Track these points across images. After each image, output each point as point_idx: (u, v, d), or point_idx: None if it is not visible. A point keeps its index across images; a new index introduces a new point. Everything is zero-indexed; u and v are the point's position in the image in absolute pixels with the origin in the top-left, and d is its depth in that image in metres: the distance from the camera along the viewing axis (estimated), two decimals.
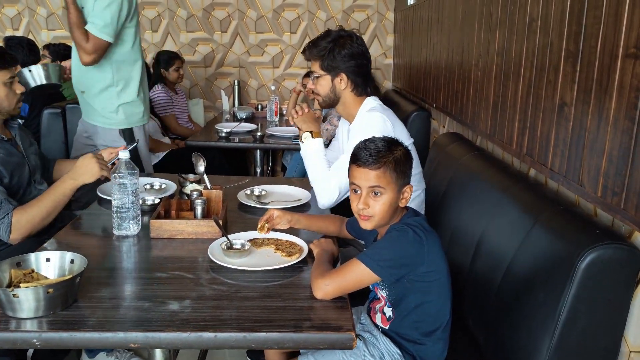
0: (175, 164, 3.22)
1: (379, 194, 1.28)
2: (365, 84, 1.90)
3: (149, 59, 4.20)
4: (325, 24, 4.22)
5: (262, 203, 1.93)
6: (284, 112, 4.04)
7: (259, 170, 3.32)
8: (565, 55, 1.32)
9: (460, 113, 2.28)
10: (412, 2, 3.54)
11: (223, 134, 3.17)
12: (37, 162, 1.97)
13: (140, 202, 1.77)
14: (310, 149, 1.87)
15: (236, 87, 4.16)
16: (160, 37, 4.26)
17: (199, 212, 1.67)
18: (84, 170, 1.78)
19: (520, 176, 1.58)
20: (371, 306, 1.44)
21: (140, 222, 1.64)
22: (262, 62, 4.34)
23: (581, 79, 1.24)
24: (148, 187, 2.03)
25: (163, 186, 2.06)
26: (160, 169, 3.18)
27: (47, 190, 1.77)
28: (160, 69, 3.84)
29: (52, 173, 2.10)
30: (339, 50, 1.83)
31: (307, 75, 3.88)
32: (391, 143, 1.31)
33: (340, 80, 1.87)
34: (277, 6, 4.20)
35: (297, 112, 1.93)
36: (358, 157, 1.31)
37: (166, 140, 3.44)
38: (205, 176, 1.81)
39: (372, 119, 1.79)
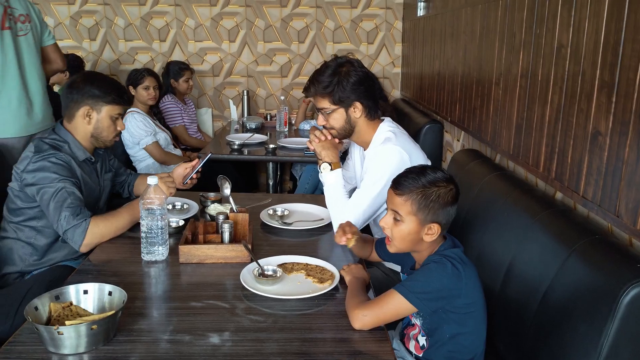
0: None
1: (399, 220, 1.30)
2: (376, 106, 1.89)
3: (158, 68, 4.20)
4: (334, 33, 4.23)
5: (285, 223, 1.94)
6: (293, 122, 4.04)
7: (271, 183, 3.32)
8: (599, 84, 1.33)
9: (479, 130, 2.29)
10: (422, 14, 3.54)
11: (235, 146, 3.17)
12: (108, 187, 2.05)
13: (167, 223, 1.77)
14: (329, 181, 1.87)
15: (245, 97, 4.16)
16: (169, 46, 4.25)
17: (226, 236, 1.67)
18: None
19: (547, 200, 1.59)
20: (405, 332, 1.45)
21: (168, 246, 1.64)
22: (271, 72, 4.34)
23: (617, 110, 1.25)
24: (170, 207, 2.03)
25: (185, 206, 2.06)
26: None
27: (125, 206, 1.82)
28: (170, 79, 3.84)
29: (133, 187, 2.16)
30: (347, 80, 1.79)
31: None
32: (435, 178, 1.30)
33: (355, 109, 1.85)
34: (285, 15, 4.20)
35: (317, 138, 1.91)
36: (395, 178, 1.35)
37: (177, 152, 3.44)
38: (231, 199, 1.81)
39: (388, 154, 1.78)
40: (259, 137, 3.49)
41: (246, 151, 3.23)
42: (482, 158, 2.17)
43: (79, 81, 1.86)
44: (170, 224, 1.84)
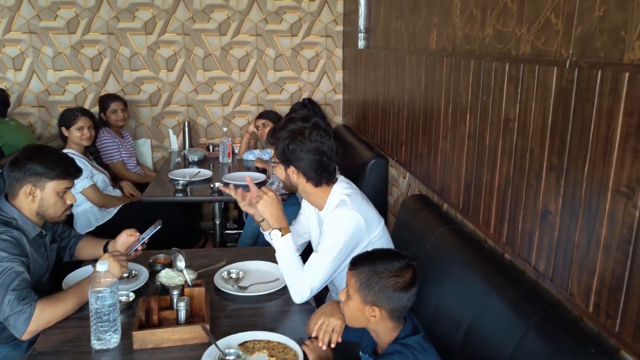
0: (130, 219, 3.08)
1: (349, 296, 1.36)
2: (322, 176, 1.85)
3: (90, 98, 4.01)
4: (275, 61, 4.20)
5: (240, 288, 1.90)
6: (236, 152, 3.98)
7: (217, 222, 3.24)
8: (547, 165, 1.39)
9: (427, 177, 2.34)
10: (362, 46, 3.59)
11: (180, 187, 3.07)
12: (54, 258, 1.95)
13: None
14: (281, 248, 1.84)
15: (186, 128, 4.04)
16: (102, 76, 4.06)
17: (182, 314, 1.61)
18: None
19: (501, 264, 1.64)
20: None
21: (119, 329, 1.56)
22: (211, 100, 4.25)
23: (567, 194, 1.31)
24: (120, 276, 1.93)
25: (134, 273, 1.97)
26: (114, 226, 3.02)
27: (74, 286, 1.71)
28: (100, 113, 3.69)
29: (75, 251, 2.05)
30: (291, 146, 1.79)
31: (260, 116, 3.84)
32: (389, 266, 1.36)
33: (292, 172, 1.85)
34: (225, 44, 4.13)
35: (259, 196, 1.87)
36: (356, 255, 1.45)
37: (117, 192, 3.29)
38: (185, 272, 1.75)
39: (343, 218, 1.78)
40: (204, 174, 3.40)
41: (191, 190, 3.14)
42: (433, 207, 2.22)
43: (20, 158, 1.77)
44: (120, 298, 1.75)
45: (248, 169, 3.63)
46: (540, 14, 1.43)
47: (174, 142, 4.12)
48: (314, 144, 1.79)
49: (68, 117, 3.07)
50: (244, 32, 4.12)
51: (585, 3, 1.24)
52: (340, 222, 1.79)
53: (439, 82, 2.15)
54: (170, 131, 4.16)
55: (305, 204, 2.10)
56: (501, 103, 1.62)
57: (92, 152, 3.28)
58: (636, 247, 1.07)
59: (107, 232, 2.75)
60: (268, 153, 3.76)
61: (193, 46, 4.11)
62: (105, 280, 1.49)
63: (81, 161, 3.03)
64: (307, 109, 4.04)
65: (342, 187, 1.89)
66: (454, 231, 1.95)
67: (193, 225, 3.80)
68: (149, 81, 4.14)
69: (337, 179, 1.93)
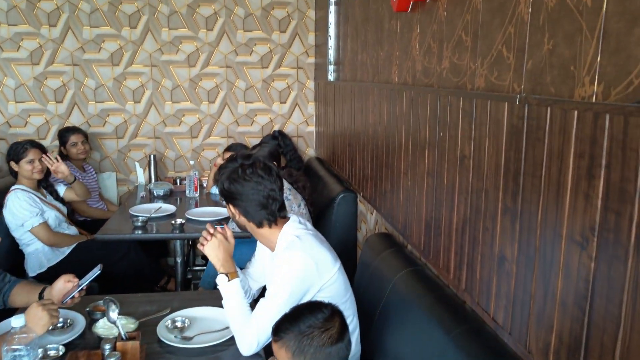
0: (85, 259, 2.92)
1: None
2: (262, 216, 1.73)
3: (53, 131, 3.88)
4: (245, 93, 4.12)
5: (185, 338, 1.75)
6: (204, 185, 3.86)
7: (179, 261, 3.09)
8: (502, 208, 1.29)
9: (390, 214, 2.23)
10: (332, 79, 3.53)
11: (139, 223, 2.93)
12: None
13: (41, 354, 1.54)
14: (227, 294, 1.72)
15: (152, 162, 3.91)
16: (66, 107, 3.94)
17: None
18: (34, 323, 1.55)
19: (461, 313, 1.52)
20: None
21: None
22: (180, 132, 4.14)
23: (522, 240, 1.20)
24: (50, 327, 1.77)
25: (69, 322, 1.81)
26: (67, 267, 2.86)
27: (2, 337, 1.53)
28: (60, 147, 3.57)
29: (9, 297, 1.89)
30: (226, 184, 1.71)
31: (228, 149, 3.73)
32: (313, 322, 1.25)
33: (235, 211, 1.76)
34: (194, 76, 4.04)
35: (205, 239, 1.77)
36: (274, 324, 1.32)
37: (72, 230, 3.12)
38: (118, 323, 1.60)
39: (291, 262, 1.67)
40: (166, 209, 3.26)
41: (152, 227, 3.00)
42: (397, 246, 2.11)
43: None
44: (49, 352, 1.60)
45: (216, 203, 3.50)
46: (492, 47, 1.35)
47: (141, 176, 3.98)
48: (251, 184, 1.69)
49: (17, 151, 2.93)
50: (213, 64, 4.04)
51: (535, 36, 1.16)
52: (287, 266, 1.67)
53: (399, 115, 2.06)
54: (137, 164, 4.02)
55: (259, 245, 1.98)
56: (457, 139, 1.53)
57: (46, 185, 3.12)
58: (593, 304, 0.96)
59: (60, 273, 2.55)
60: None
61: (161, 78, 4.01)
62: (22, 337, 1.34)
63: (31, 198, 2.88)
64: (278, 141, 3.95)
65: (293, 227, 1.77)
66: (416, 274, 1.83)
67: (156, 262, 3.64)
68: (115, 113, 4.03)
69: (288, 217, 1.81)
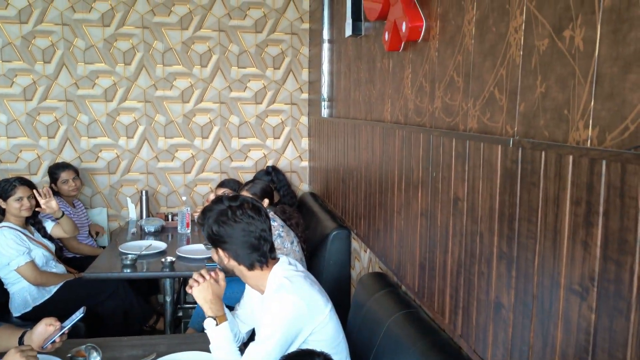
0: (71, 298, 2.85)
1: None
2: (253, 258, 1.69)
3: (44, 166, 3.85)
4: (239, 128, 4.11)
5: None
6: (197, 220, 3.80)
7: (168, 300, 3.01)
8: (498, 253, 1.25)
9: (384, 254, 2.19)
10: (325, 115, 3.53)
11: (128, 262, 2.87)
12: None
13: None
14: (214, 338, 1.67)
15: (144, 197, 3.87)
16: (58, 142, 3.92)
17: None
18: None
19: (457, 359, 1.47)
20: None
21: None
22: (172, 168, 4.11)
23: (519, 287, 1.16)
24: None
25: None
26: (53, 307, 2.78)
27: None
28: (51, 184, 3.52)
29: None
30: (214, 227, 1.66)
31: (221, 185, 3.70)
32: None
33: (223, 255, 1.70)
34: (188, 111, 4.04)
35: (196, 281, 1.72)
36: None
37: (60, 268, 3.04)
38: None
39: (281, 305, 1.62)
40: (156, 246, 3.21)
41: (141, 265, 2.93)
42: (391, 287, 2.06)
43: None
44: None
45: None
46: (484, 89, 1.34)
47: (132, 212, 3.93)
48: (240, 225, 1.65)
49: (5, 188, 2.88)
50: (207, 100, 4.05)
51: (527, 79, 1.15)
52: (278, 308, 1.62)
53: (392, 154, 2.04)
54: (129, 200, 3.98)
55: (248, 287, 1.93)
56: (450, 181, 1.50)
57: (34, 223, 3.06)
58: (595, 358, 0.92)
59: (45, 313, 2.49)
60: None
61: (154, 113, 4.01)
62: None
63: (18, 236, 2.82)
64: (271, 177, 3.93)
65: (283, 268, 1.73)
66: (410, 317, 1.78)
67: (146, 299, 3.55)
68: (107, 148, 4.00)
69: (277, 259, 1.77)
